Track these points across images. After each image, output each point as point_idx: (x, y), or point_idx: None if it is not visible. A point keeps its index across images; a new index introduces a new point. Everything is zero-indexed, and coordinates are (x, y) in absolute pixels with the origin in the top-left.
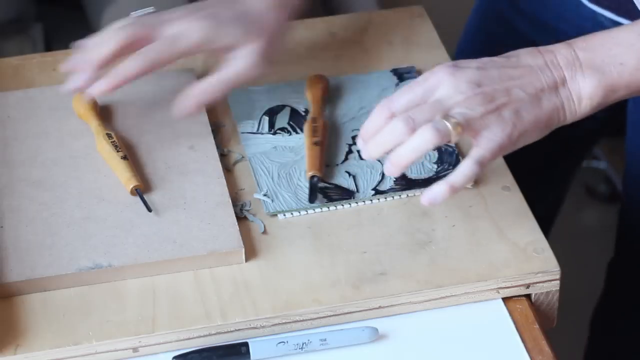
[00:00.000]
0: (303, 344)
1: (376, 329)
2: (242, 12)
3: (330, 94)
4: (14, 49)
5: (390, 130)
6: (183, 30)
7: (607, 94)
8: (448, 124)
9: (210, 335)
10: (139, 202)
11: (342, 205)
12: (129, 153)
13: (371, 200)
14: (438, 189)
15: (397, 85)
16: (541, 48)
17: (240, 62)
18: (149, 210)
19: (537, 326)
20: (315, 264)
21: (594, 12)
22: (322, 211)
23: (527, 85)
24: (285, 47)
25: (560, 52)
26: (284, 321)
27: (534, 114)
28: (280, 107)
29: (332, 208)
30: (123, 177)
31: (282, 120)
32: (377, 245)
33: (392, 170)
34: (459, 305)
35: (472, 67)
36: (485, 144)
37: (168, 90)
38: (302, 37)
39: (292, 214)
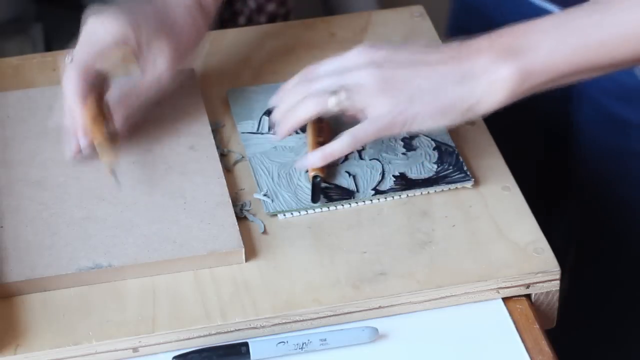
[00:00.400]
0: (303, 344)
1: (376, 329)
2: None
3: None
4: (14, 49)
5: (291, 93)
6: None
7: (523, 79)
8: (333, 97)
9: (210, 335)
10: (139, 202)
11: (342, 205)
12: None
13: (371, 200)
14: (312, 157)
15: None
16: (465, 42)
17: (151, 68)
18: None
19: (537, 326)
20: (315, 264)
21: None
22: (322, 211)
23: (432, 74)
24: (197, 57)
25: (480, 42)
26: (284, 321)
27: (430, 102)
28: None
29: (332, 208)
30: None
31: None
32: (377, 245)
33: (279, 131)
34: (459, 305)
35: (384, 49)
36: (366, 123)
37: (168, 90)
38: (302, 37)
39: (292, 214)
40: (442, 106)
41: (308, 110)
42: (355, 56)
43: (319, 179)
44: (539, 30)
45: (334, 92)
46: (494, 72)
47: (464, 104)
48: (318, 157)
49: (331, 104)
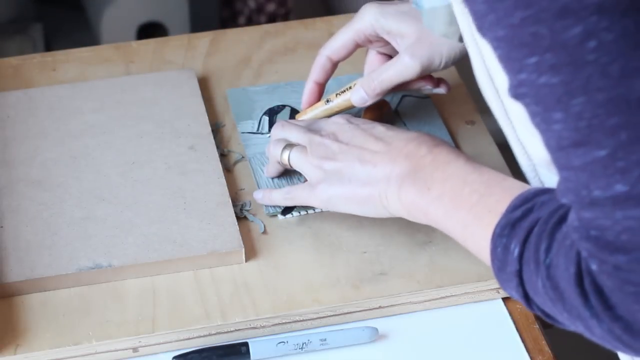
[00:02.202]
0: (303, 344)
1: (376, 329)
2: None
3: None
4: (14, 49)
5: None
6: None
7: (407, 209)
8: (284, 154)
9: (210, 335)
10: (139, 202)
11: None
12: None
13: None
14: (256, 193)
15: None
16: (424, 142)
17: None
18: None
19: (537, 326)
20: (315, 264)
21: None
22: (322, 211)
23: (367, 162)
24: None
25: (418, 150)
26: (284, 321)
27: (350, 187)
28: (280, 107)
29: None
30: None
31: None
32: (377, 245)
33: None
34: (459, 305)
35: (350, 126)
36: (298, 186)
37: (168, 90)
38: (302, 37)
39: (292, 214)
40: (359, 195)
41: (270, 156)
42: (325, 122)
43: None
44: (451, 176)
45: (289, 149)
46: (393, 191)
47: (380, 202)
48: (260, 200)
49: (283, 161)
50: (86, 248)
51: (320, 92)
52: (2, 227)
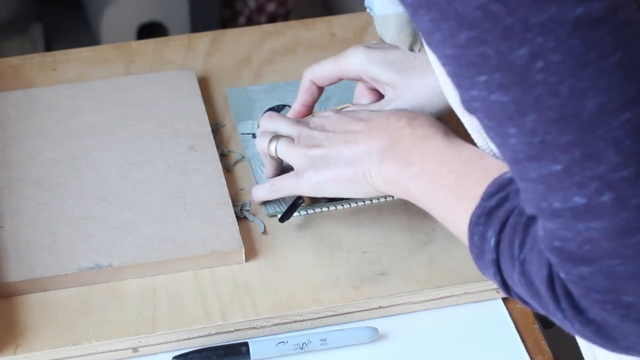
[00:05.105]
0: (303, 344)
1: (376, 329)
2: None
3: (330, 94)
4: (14, 49)
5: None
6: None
7: (389, 185)
8: (271, 145)
9: (210, 335)
10: (139, 202)
11: (342, 205)
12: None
13: (371, 200)
14: (255, 190)
15: None
16: (404, 116)
17: None
18: None
19: (537, 326)
20: (315, 264)
21: None
22: (322, 211)
23: (350, 142)
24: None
25: (404, 129)
26: (284, 321)
27: (336, 169)
28: (280, 107)
29: (332, 208)
30: None
31: None
32: (377, 245)
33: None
34: (459, 305)
35: (335, 113)
36: (281, 177)
37: (168, 90)
38: (302, 37)
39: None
40: (345, 174)
41: (258, 148)
42: (314, 116)
43: (301, 202)
44: (428, 153)
45: (274, 139)
46: (375, 166)
47: (363, 178)
48: (252, 194)
49: (271, 152)
50: (86, 248)
51: (308, 113)
52: (2, 227)
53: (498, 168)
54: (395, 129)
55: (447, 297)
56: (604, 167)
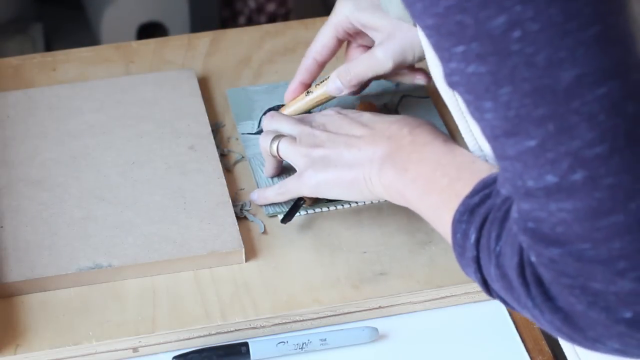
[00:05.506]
0: (303, 344)
1: (376, 329)
2: None
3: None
4: (14, 49)
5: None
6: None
7: (387, 191)
8: (273, 144)
9: (210, 335)
10: (139, 202)
11: (342, 205)
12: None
13: (371, 201)
14: (252, 197)
15: (396, 85)
16: (407, 124)
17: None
18: None
19: (537, 326)
20: (315, 264)
21: None
22: (322, 211)
23: (353, 146)
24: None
25: (399, 133)
26: (284, 321)
27: (337, 172)
28: (281, 107)
29: (332, 208)
30: None
31: None
32: (377, 245)
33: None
34: (459, 305)
35: (337, 114)
36: (288, 179)
37: (168, 90)
38: (302, 37)
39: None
40: (345, 178)
41: (261, 146)
42: (315, 115)
43: (302, 203)
44: (426, 159)
45: (276, 138)
46: (375, 173)
47: (364, 184)
48: (256, 200)
49: (272, 151)
50: (86, 248)
51: (303, 91)
52: (2, 227)
53: (488, 170)
54: (398, 137)
55: (447, 297)
56: (577, 142)
